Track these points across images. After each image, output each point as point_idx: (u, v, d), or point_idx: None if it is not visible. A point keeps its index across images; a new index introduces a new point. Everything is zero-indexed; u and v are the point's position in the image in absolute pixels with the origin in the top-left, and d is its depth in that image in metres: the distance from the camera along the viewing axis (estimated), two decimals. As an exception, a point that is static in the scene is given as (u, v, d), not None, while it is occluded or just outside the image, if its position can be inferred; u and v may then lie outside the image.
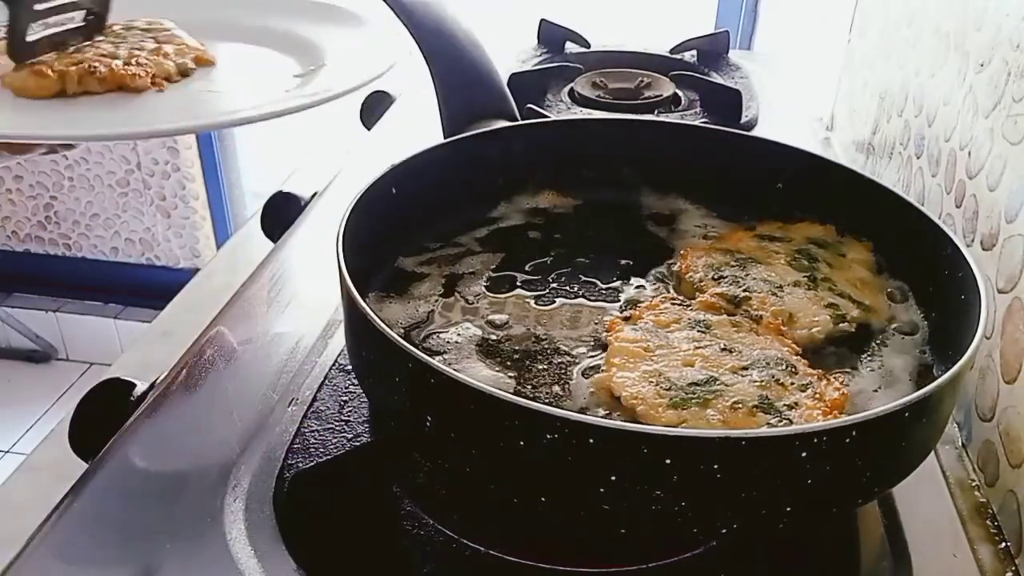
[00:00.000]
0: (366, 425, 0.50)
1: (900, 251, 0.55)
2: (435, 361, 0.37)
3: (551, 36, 1.12)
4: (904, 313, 0.53)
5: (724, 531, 0.37)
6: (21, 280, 2.18)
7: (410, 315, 0.52)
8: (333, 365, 0.55)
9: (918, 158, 0.72)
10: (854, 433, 0.35)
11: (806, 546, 0.44)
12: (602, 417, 0.43)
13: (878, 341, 0.51)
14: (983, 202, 0.58)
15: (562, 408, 0.37)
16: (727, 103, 0.92)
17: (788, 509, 0.37)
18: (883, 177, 0.78)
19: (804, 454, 0.34)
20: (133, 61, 0.70)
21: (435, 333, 0.51)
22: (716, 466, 0.34)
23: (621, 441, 0.34)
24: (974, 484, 0.53)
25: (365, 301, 0.41)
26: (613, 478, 0.35)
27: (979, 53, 0.61)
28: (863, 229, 0.58)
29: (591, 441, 0.34)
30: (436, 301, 0.54)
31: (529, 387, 0.46)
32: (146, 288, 2.11)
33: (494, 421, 0.36)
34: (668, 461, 0.34)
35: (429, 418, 0.39)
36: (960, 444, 0.56)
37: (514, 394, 0.40)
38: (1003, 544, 0.48)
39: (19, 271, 2.17)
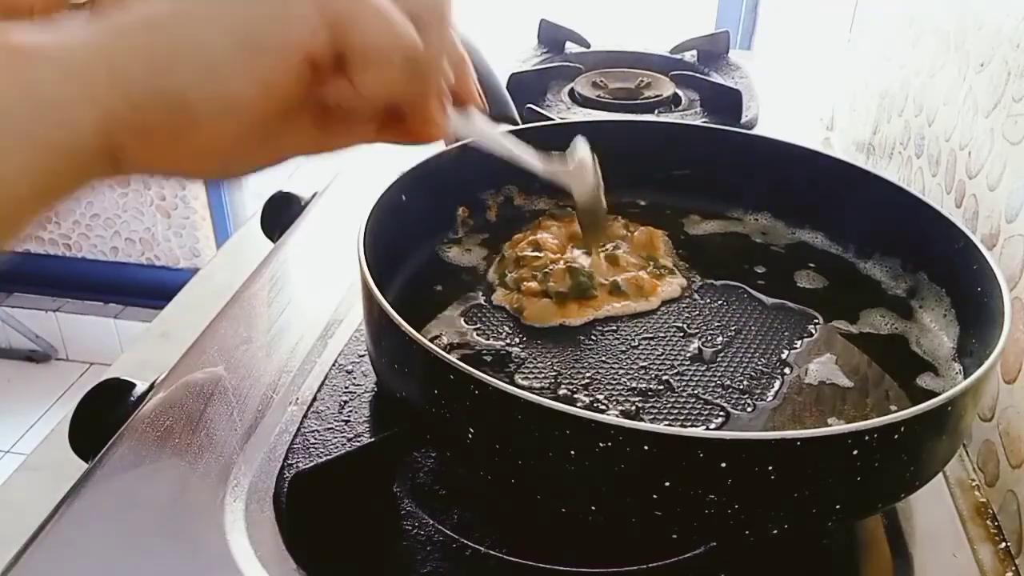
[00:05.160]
0: (366, 425, 0.50)
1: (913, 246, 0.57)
2: (481, 373, 0.37)
3: (551, 36, 1.12)
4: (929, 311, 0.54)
5: (775, 531, 0.37)
6: (21, 280, 2.17)
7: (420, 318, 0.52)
8: (333, 365, 0.55)
9: (918, 158, 0.72)
10: (903, 429, 0.36)
11: (806, 546, 0.44)
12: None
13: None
14: (983, 202, 0.58)
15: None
16: (727, 103, 0.92)
17: (838, 507, 0.37)
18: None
19: (855, 451, 0.35)
20: None
21: (438, 336, 0.51)
22: (771, 467, 0.35)
23: (677, 446, 0.35)
24: (974, 484, 0.53)
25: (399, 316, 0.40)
26: (668, 484, 0.35)
27: (979, 53, 0.61)
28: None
29: (646, 448, 0.34)
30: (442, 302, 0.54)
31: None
32: (146, 288, 2.11)
33: (544, 431, 0.36)
34: (724, 464, 0.34)
35: (471, 430, 0.38)
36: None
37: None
38: (1003, 544, 0.48)
39: (19, 271, 2.17)
